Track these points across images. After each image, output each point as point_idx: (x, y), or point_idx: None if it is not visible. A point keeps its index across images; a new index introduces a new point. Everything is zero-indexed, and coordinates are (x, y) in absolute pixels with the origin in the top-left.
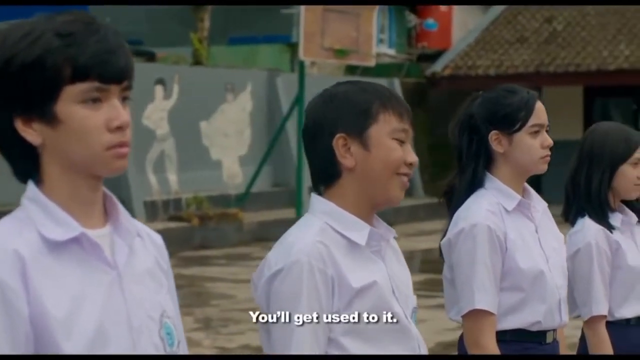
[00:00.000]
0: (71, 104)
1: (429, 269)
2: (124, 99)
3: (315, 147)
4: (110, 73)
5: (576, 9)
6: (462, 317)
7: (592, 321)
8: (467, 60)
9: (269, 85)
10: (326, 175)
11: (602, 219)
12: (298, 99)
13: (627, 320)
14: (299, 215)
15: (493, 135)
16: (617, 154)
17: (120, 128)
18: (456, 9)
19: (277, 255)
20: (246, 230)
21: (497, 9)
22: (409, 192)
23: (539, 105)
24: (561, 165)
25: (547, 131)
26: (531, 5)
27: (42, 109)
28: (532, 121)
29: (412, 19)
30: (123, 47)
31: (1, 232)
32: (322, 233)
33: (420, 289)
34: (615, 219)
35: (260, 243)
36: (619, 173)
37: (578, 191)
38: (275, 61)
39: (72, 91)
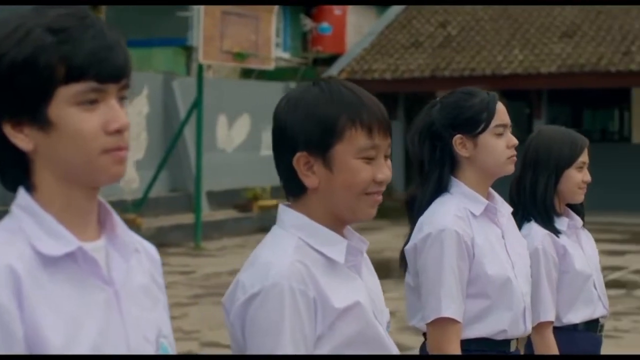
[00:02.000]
0: (65, 106)
1: None
2: (121, 99)
3: (278, 158)
4: (108, 72)
5: (470, 13)
6: (427, 324)
7: (539, 327)
8: (363, 65)
9: (165, 89)
10: (291, 189)
11: (549, 223)
12: (197, 103)
13: (575, 326)
14: (198, 220)
15: (457, 139)
16: (563, 158)
17: (118, 131)
18: (350, 14)
19: (251, 277)
20: (144, 236)
21: (392, 14)
22: None
23: (500, 106)
24: None
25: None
26: (425, 10)
27: (34, 112)
28: (495, 122)
29: (307, 23)
30: (120, 42)
31: None
32: (299, 251)
33: None
34: (562, 223)
35: (158, 249)
36: (565, 177)
37: (524, 196)
38: (171, 64)
39: (67, 92)
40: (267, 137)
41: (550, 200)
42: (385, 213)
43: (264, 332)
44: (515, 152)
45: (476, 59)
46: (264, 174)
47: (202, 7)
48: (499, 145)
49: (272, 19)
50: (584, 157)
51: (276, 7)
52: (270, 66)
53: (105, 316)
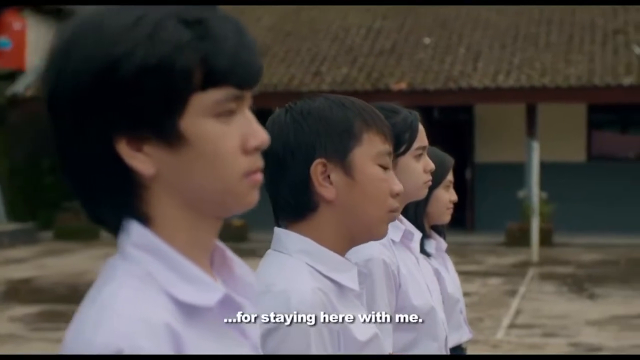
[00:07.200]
0: (202, 118)
1: (40, 300)
2: None
3: (285, 175)
4: (249, 78)
5: None
6: None
7: None
8: None
9: None
10: (297, 208)
11: (420, 246)
12: None
13: None
14: None
15: None
16: (433, 178)
17: (257, 149)
18: (29, 30)
19: (268, 307)
20: None
21: None
22: None
23: (421, 127)
24: None
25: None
26: None
27: (163, 125)
28: (417, 143)
29: None
30: (255, 42)
31: (134, 297)
32: (314, 277)
33: (41, 320)
34: (430, 245)
35: None
36: (434, 197)
37: None
38: None
39: (204, 101)
40: None
41: (421, 223)
42: (74, 234)
43: None
44: (430, 177)
45: None
46: None
47: None
48: (417, 169)
49: None
50: (450, 176)
51: None
52: None
53: None
